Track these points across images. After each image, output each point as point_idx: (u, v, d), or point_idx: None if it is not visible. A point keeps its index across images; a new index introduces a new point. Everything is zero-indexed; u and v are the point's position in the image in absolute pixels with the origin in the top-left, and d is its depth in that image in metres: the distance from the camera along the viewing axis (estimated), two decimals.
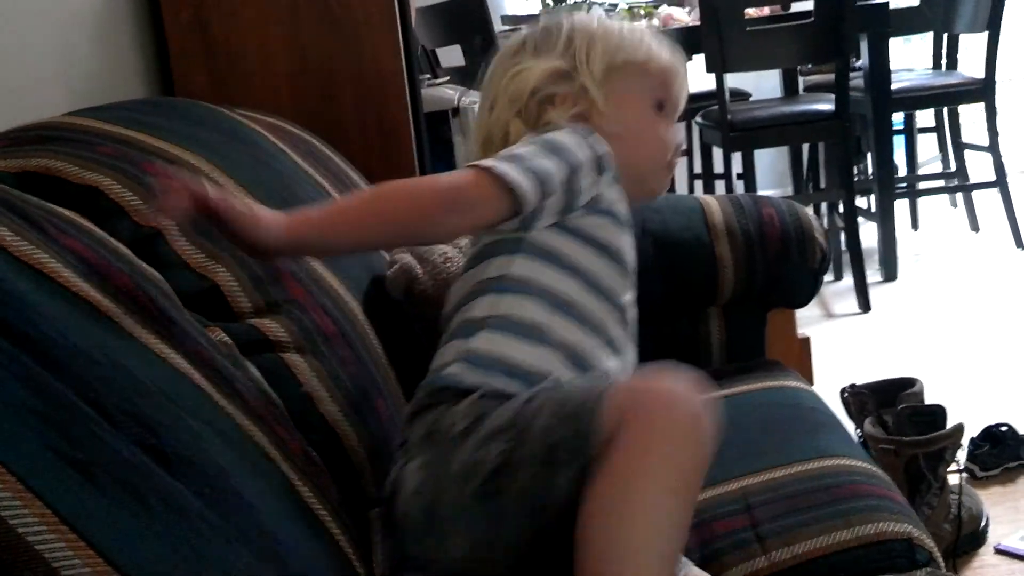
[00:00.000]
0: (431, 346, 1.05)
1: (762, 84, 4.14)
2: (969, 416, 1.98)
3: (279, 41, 1.77)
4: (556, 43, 1.11)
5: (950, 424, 1.86)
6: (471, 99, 2.23)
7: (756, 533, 1.07)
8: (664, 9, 3.73)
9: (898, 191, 3.73)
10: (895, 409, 1.89)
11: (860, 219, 3.46)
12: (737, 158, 3.41)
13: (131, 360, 0.78)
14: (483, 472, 0.85)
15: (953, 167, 4.11)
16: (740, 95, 3.93)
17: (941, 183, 4.18)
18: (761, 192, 2.57)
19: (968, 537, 1.84)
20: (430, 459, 0.89)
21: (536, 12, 3.95)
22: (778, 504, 1.10)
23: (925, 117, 4.29)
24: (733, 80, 3.47)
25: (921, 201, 4.25)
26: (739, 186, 3.58)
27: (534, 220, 1.00)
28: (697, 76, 4.26)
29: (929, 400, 1.97)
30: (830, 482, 1.13)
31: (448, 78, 2.80)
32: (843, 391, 2.04)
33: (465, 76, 3.10)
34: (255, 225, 0.87)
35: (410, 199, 0.96)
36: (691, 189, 4.41)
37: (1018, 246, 3.75)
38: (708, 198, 1.65)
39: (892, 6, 3.40)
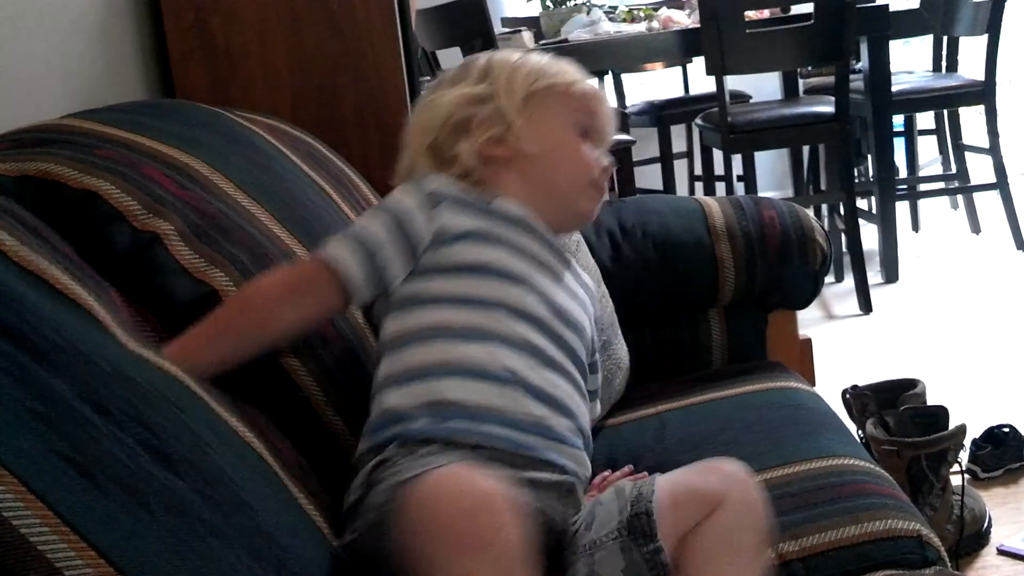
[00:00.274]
0: None
1: (762, 86, 4.14)
2: (971, 417, 1.98)
3: (279, 43, 1.77)
4: (473, 72, 1.13)
5: (952, 425, 1.85)
6: None
7: None
8: (664, 11, 3.73)
9: (899, 193, 3.73)
10: (897, 410, 1.89)
11: (861, 221, 3.46)
12: (737, 160, 3.41)
13: (129, 364, 0.78)
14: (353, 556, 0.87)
15: (954, 169, 4.11)
16: (740, 97, 3.93)
17: (942, 185, 4.18)
18: (761, 194, 2.57)
19: (970, 538, 1.83)
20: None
21: (536, 14, 3.95)
22: (783, 501, 1.09)
23: (925, 119, 4.29)
24: (733, 82, 3.47)
25: (922, 203, 4.25)
26: (739, 188, 3.58)
27: (383, 283, 1.02)
28: (697, 78, 4.28)
29: (931, 401, 1.97)
30: (835, 481, 1.13)
31: None
32: (845, 392, 2.03)
33: None
34: None
35: (253, 307, 0.98)
36: (691, 191, 4.41)
37: (1019, 248, 3.74)
38: (708, 200, 1.65)
39: (892, 8, 3.40)
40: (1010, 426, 2.14)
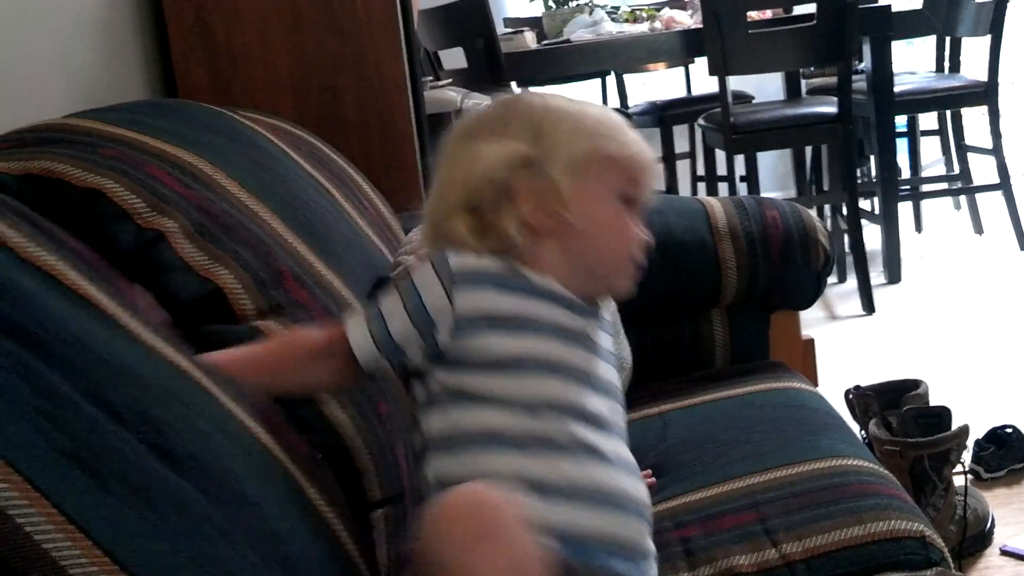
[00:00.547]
0: None
1: (765, 87, 4.14)
2: (974, 418, 1.97)
3: (281, 43, 1.78)
4: (520, 126, 0.99)
5: (955, 426, 1.85)
6: (473, 101, 2.23)
7: (765, 527, 1.07)
8: (666, 11, 3.73)
9: (901, 193, 3.73)
10: (900, 411, 1.89)
11: (863, 221, 3.46)
12: (740, 160, 3.41)
13: (137, 361, 0.78)
14: None
15: (956, 170, 4.11)
16: (743, 98, 3.93)
17: (944, 186, 4.18)
18: (764, 194, 2.57)
19: (973, 538, 1.83)
20: None
21: (539, 15, 3.95)
22: (787, 501, 1.09)
23: (928, 120, 4.29)
24: (736, 83, 3.47)
25: (924, 204, 4.25)
26: (742, 188, 3.58)
27: (399, 359, 0.97)
28: (700, 78, 4.28)
29: (934, 402, 1.97)
30: (838, 481, 1.13)
31: (450, 80, 2.80)
32: (847, 393, 2.03)
33: (467, 78, 3.10)
34: None
35: (289, 355, 0.99)
36: (694, 191, 4.41)
37: (1022, 248, 3.74)
38: (711, 200, 1.65)
39: (895, 9, 3.40)
40: (1013, 427, 2.14)
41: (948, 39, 3.98)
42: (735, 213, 1.59)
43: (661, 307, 1.59)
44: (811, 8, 3.27)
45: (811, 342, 1.72)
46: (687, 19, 3.67)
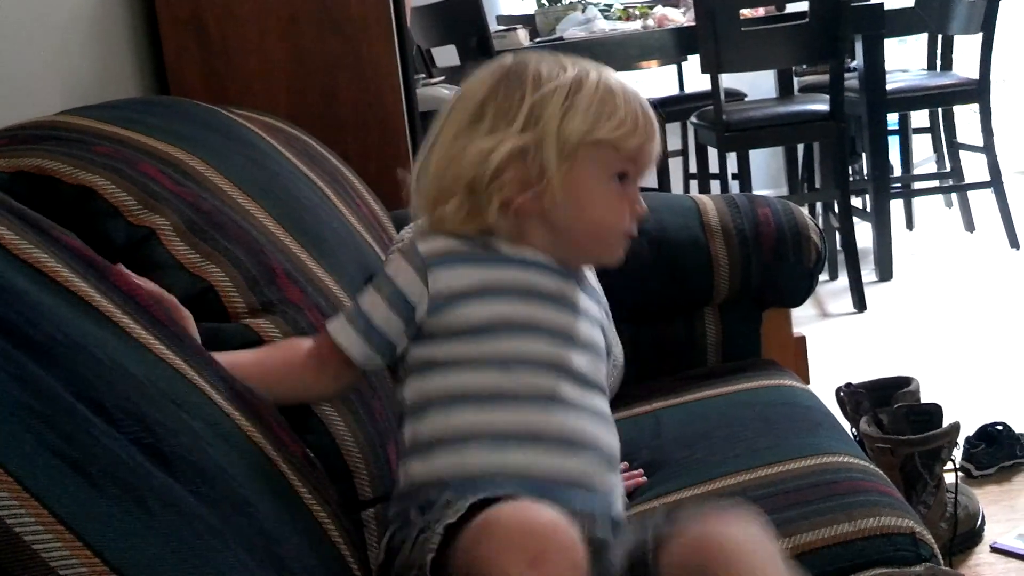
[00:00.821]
0: None
1: (757, 84, 4.15)
2: (965, 415, 1.98)
3: (275, 40, 1.77)
4: (519, 114, 0.99)
5: (946, 423, 1.86)
6: None
7: None
8: (659, 9, 3.73)
9: (893, 191, 3.74)
10: (891, 408, 1.89)
11: (855, 219, 3.47)
12: (732, 158, 3.41)
13: (130, 359, 0.78)
14: None
15: (948, 167, 4.12)
16: (735, 95, 3.93)
17: (936, 183, 4.19)
18: (756, 192, 2.57)
19: (964, 536, 1.84)
20: None
21: (531, 12, 3.95)
22: (777, 498, 1.10)
23: (920, 118, 4.29)
24: (728, 80, 3.47)
25: (916, 201, 4.26)
26: (734, 186, 3.59)
27: (389, 352, 0.99)
28: (692, 76, 4.28)
29: (925, 399, 1.97)
30: (829, 478, 1.14)
31: (443, 78, 2.80)
32: (839, 390, 2.04)
33: (460, 76, 3.09)
34: None
35: (289, 368, 1.01)
36: (686, 189, 4.41)
37: (1012, 246, 3.75)
38: (703, 198, 1.65)
39: (887, 7, 3.41)
40: (1003, 424, 2.14)
41: (940, 37, 3.99)
42: (727, 211, 1.59)
43: (653, 305, 1.60)
44: (804, 6, 3.28)
45: (803, 340, 1.73)
46: (680, 17, 3.67)
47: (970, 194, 4.01)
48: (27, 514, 0.58)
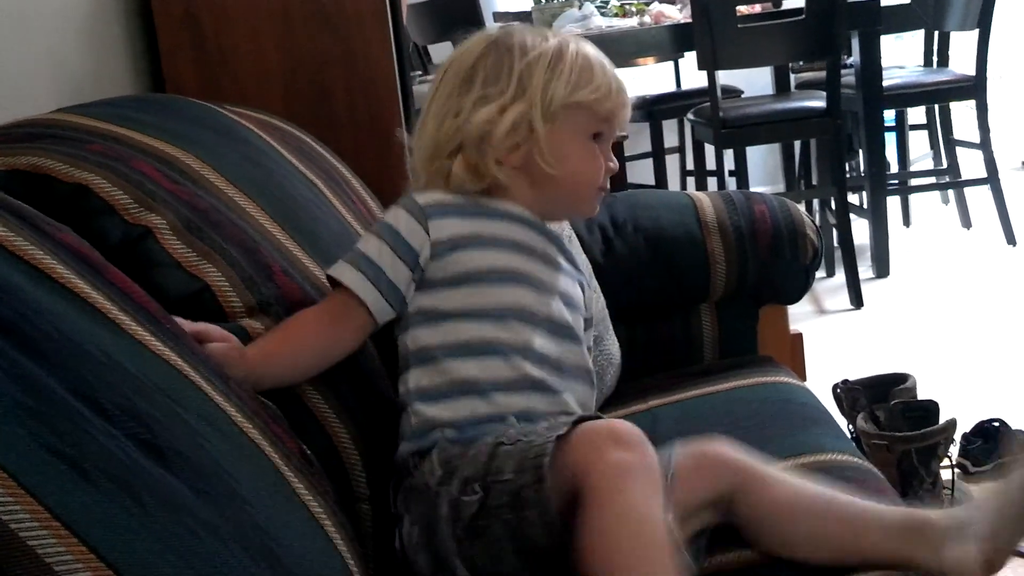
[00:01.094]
0: None
1: (754, 81, 4.15)
2: (962, 411, 1.98)
3: (270, 37, 1.77)
4: (510, 78, 1.12)
5: (943, 419, 1.86)
6: None
7: None
8: (655, 6, 3.73)
9: (890, 188, 3.74)
10: (888, 405, 1.90)
11: (852, 216, 3.47)
12: (729, 155, 3.41)
13: (126, 355, 0.78)
14: (466, 514, 0.96)
15: (945, 164, 4.12)
16: (732, 92, 3.93)
17: (933, 180, 4.19)
18: (753, 189, 2.58)
19: None
20: (419, 512, 1.01)
21: (528, 9, 3.94)
22: None
23: (916, 114, 4.30)
24: (725, 77, 3.47)
25: (913, 198, 4.26)
26: (731, 183, 3.59)
27: (399, 300, 1.09)
28: (689, 73, 4.28)
29: (921, 396, 1.97)
30: (822, 477, 1.13)
31: None
32: (835, 387, 2.04)
33: None
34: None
35: (309, 334, 1.06)
36: (683, 186, 4.41)
37: (1009, 242, 3.76)
38: (700, 195, 1.65)
39: (883, 3, 3.41)
40: (1000, 420, 2.14)
41: (936, 33, 3.99)
42: (724, 208, 1.59)
43: (650, 302, 1.60)
44: (800, 2, 3.28)
45: (799, 336, 1.73)
46: (676, 13, 3.67)
47: (967, 190, 4.02)
48: (22, 510, 0.58)
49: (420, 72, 2.95)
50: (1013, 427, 2.14)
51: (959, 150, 4.05)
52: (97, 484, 0.64)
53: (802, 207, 1.67)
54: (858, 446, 1.64)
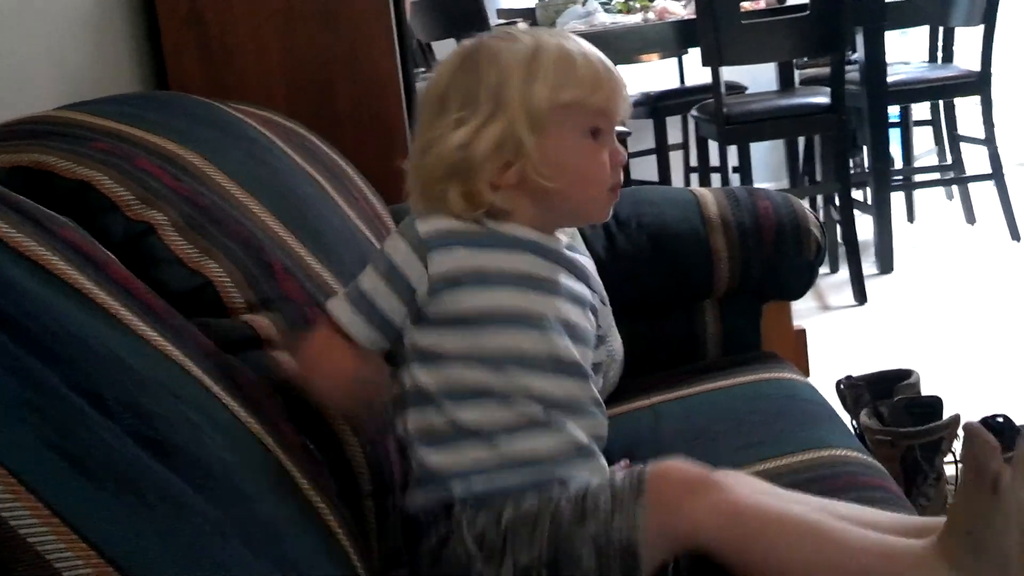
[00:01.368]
0: None
1: (758, 77, 4.14)
2: (965, 407, 1.98)
3: (273, 35, 1.77)
4: (483, 101, 1.01)
5: (946, 415, 1.86)
6: None
7: None
8: (659, 2, 3.72)
9: (894, 184, 3.73)
10: (891, 400, 1.89)
11: (856, 212, 3.47)
12: (733, 151, 3.41)
13: (128, 351, 0.78)
14: None
15: (949, 160, 4.11)
16: (736, 88, 3.93)
17: (937, 176, 4.18)
18: (757, 185, 2.57)
19: None
20: None
21: (532, 5, 3.94)
22: None
23: (921, 110, 4.29)
24: (729, 73, 3.46)
25: (917, 194, 4.26)
26: (735, 179, 3.58)
27: (392, 332, 1.02)
28: (693, 69, 4.27)
29: (925, 391, 1.97)
30: (826, 472, 1.14)
31: None
32: (839, 383, 2.04)
33: None
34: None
35: (314, 363, 1.03)
36: (687, 182, 4.40)
37: (1014, 238, 3.75)
38: (703, 191, 1.65)
39: None
40: (1004, 416, 2.14)
41: (941, 29, 3.98)
42: (727, 204, 1.59)
43: (653, 298, 1.59)
44: None
45: (803, 332, 1.73)
46: (680, 10, 3.67)
47: (971, 186, 4.01)
48: (22, 507, 0.58)
49: (423, 69, 2.95)
50: (1017, 422, 2.14)
51: (963, 146, 4.04)
52: (99, 481, 0.64)
53: (806, 203, 1.67)
54: (862, 442, 1.64)
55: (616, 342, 1.46)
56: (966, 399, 2.18)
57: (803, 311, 3.15)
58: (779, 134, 3.73)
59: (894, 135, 4.02)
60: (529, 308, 1.02)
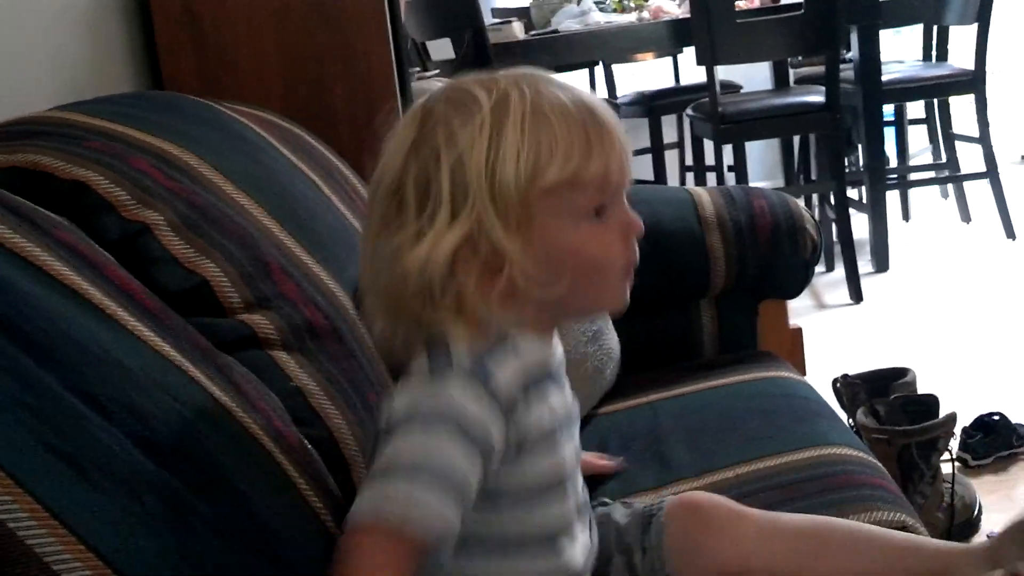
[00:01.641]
0: None
1: (753, 76, 4.14)
2: (961, 405, 1.98)
3: (268, 34, 1.77)
4: (445, 195, 0.78)
5: (942, 413, 1.86)
6: None
7: None
8: (654, 1, 3.72)
9: (889, 182, 3.74)
10: (887, 399, 1.90)
11: (851, 210, 3.47)
12: (728, 150, 3.41)
13: (125, 351, 0.78)
14: None
15: (944, 158, 4.12)
16: (731, 87, 3.93)
17: (932, 174, 4.19)
18: (752, 184, 2.58)
19: (961, 526, 1.84)
20: None
21: (527, 4, 3.94)
22: (773, 492, 1.10)
23: (916, 108, 4.29)
24: (724, 72, 3.47)
25: (912, 192, 4.26)
26: (730, 178, 3.59)
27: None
28: (688, 68, 4.28)
29: (921, 390, 1.97)
30: (824, 471, 1.14)
31: (438, 71, 2.80)
32: (835, 381, 2.04)
33: (455, 69, 3.09)
34: None
35: None
36: (682, 181, 4.41)
37: (1008, 236, 3.75)
38: (699, 190, 1.66)
39: None
40: (1000, 414, 2.15)
41: (935, 28, 3.98)
42: (723, 203, 1.59)
43: (649, 297, 1.59)
44: None
45: (799, 331, 1.73)
46: (675, 9, 3.67)
47: (966, 185, 4.02)
48: (20, 509, 0.58)
49: (419, 69, 2.95)
50: (1013, 420, 2.14)
51: (958, 144, 4.04)
52: (96, 482, 0.64)
53: (801, 202, 1.67)
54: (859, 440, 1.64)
55: (612, 340, 1.47)
56: (962, 397, 2.19)
57: (799, 310, 3.15)
58: (774, 133, 3.73)
59: (889, 134, 4.02)
60: (570, 464, 0.84)
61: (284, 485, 0.87)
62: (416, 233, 0.78)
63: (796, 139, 4.09)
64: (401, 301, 0.79)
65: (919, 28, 4.14)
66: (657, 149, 4.00)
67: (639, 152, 4.24)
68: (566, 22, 3.54)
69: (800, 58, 4.12)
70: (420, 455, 0.74)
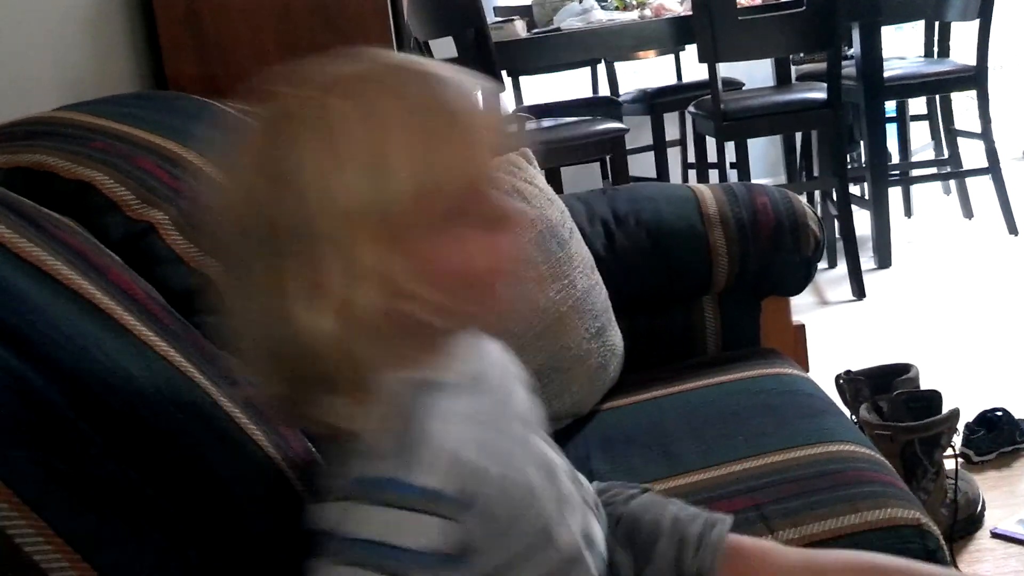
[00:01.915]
0: None
1: (754, 73, 4.14)
2: (964, 401, 1.98)
3: (271, 34, 1.77)
4: (294, 243, 0.65)
5: (945, 409, 1.86)
6: None
7: (761, 513, 1.07)
8: None
9: (891, 178, 3.73)
10: (890, 395, 1.90)
11: (853, 207, 3.47)
12: (730, 147, 3.41)
13: (130, 358, 0.77)
14: None
15: (946, 154, 4.11)
16: (733, 84, 3.93)
17: (934, 170, 4.18)
18: (754, 181, 2.57)
19: (964, 521, 1.84)
20: None
21: (529, 2, 3.94)
22: (781, 487, 1.10)
23: (917, 105, 4.29)
24: (725, 69, 3.46)
25: (914, 188, 4.26)
26: (733, 175, 3.58)
27: None
28: (690, 66, 4.28)
29: (924, 386, 1.97)
30: (833, 468, 1.14)
31: None
32: (838, 377, 2.04)
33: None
34: None
35: None
36: (685, 178, 4.41)
37: (1011, 232, 3.75)
38: (701, 187, 1.66)
39: None
40: (1003, 410, 2.15)
41: (937, 24, 3.98)
42: (725, 200, 1.59)
43: (652, 294, 1.60)
44: None
45: (802, 328, 1.73)
46: (677, 6, 3.67)
47: (968, 181, 4.01)
48: (26, 526, 0.59)
49: None
50: (1016, 416, 2.14)
51: (960, 140, 4.04)
52: (97, 507, 0.64)
53: (804, 198, 1.67)
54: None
55: (616, 337, 1.47)
56: (965, 393, 2.19)
57: (802, 306, 3.15)
58: (776, 130, 3.73)
59: (891, 130, 4.02)
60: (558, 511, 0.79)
61: (291, 497, 0.84)
62: (266, 285, 0.66)
63: (798, 136, 4.09)
64: (303, 371, 0.67)
65: (921, 24, 4.13)
66: (659, 147, 4.00)
67: (641, 150, 4.24)
68: (568, 20, 3.54)
69: (802, 55, 4.12)
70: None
